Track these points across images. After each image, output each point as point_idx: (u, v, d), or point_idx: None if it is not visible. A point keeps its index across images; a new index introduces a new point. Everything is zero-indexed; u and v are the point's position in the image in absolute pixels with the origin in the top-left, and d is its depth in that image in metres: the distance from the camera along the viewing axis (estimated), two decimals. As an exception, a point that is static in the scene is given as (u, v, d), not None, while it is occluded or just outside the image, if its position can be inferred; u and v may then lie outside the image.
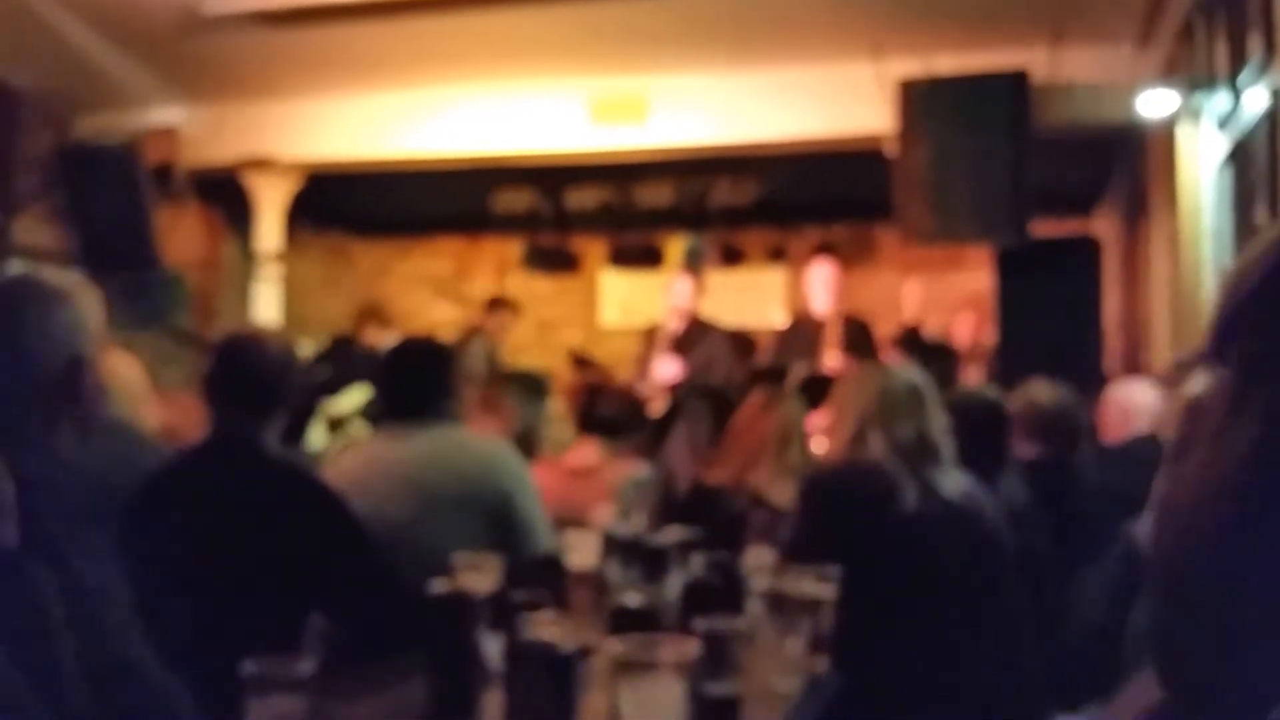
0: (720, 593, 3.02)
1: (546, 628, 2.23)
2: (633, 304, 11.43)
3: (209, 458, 3.33)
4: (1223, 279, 1.12)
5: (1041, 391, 5.16)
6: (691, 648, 2.15)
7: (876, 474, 3.73)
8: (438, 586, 2.55)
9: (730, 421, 5.29)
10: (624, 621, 2.76)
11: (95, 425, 2.43)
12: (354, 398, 7.78)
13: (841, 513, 3.76)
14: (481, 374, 8.14)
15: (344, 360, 8.48)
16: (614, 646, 2.06)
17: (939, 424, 3.87)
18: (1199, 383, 1.12)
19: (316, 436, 7.92)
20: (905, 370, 4.10)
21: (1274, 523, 0.95)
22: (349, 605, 3.15)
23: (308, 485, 3.31)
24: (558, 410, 6.55)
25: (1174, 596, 1.04)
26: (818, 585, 3.28)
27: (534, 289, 12.10)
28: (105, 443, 3.14)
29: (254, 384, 3.32)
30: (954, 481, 3.81)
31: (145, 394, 4.06)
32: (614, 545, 3.70)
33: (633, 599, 2.91)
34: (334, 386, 7.99)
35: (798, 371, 7.44)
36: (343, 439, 7.21)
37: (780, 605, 3.37)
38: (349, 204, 11.76)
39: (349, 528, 3.27)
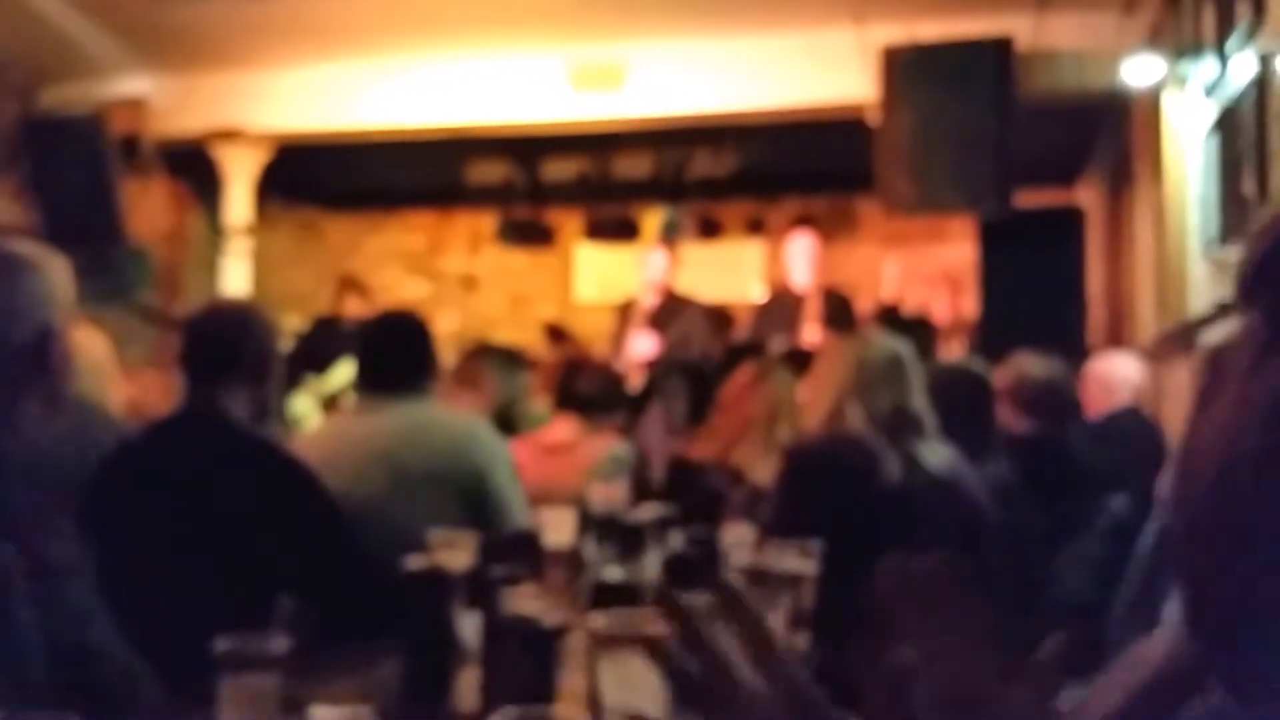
0: (699, 569, 2.94)
1: (526, 602, 2.17)
2: (609, 278, 11.32)
3: (176, 431, 3.24)
4: (1254, 227, 1.09)
5: (1033, 364, 5.08)
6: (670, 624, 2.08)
7: (857, 447, 3.66)
8: (413, 563, 2.47)
9: (717, 396, 5.22)
10: (604, 597, 2.68)
11: (63, 399, 2.36)
12: (344, 373, 7.72)
13: (823, 487, 3.67)
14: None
15: (328, 337, 8.41)
16: (594, 621, 2.00)
17: (920, 396, 3.80)
18: (1218, 333, 1.04)
19: (309, 415, 7.86)
20: (885, 340, 4.01)
21: None
22: (320, 584, 3.06)
23: (277, 460, 3.21)
24: (534, 385, 6.47)
25: (1201, 541, 1.03)
26: (799, 560, 3.22)
27: (508, 263, 11.99)
28: (70, 420, 3.06)
29: (228, 355, 3.22)
30: (936, 455, 3.74)
31: (112, 371, 3.97)
32: (590, 522, 3.64)
33: (613, 573, 2.83)
34: (322, 364, 7.92)
35: (776, 346, 7.37)
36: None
37: (761, 581, 3.31)
38: (320, 177, 11.63)
39: (320, 504, 3.18)
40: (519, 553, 3.20)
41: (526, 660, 2.10)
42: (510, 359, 5.26)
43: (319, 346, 8.35)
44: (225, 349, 3.22)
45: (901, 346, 3.90)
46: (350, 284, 9.53)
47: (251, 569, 2.89)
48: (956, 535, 3.64)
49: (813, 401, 3.92)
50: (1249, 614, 0.96)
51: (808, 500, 3.65)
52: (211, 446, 3.15)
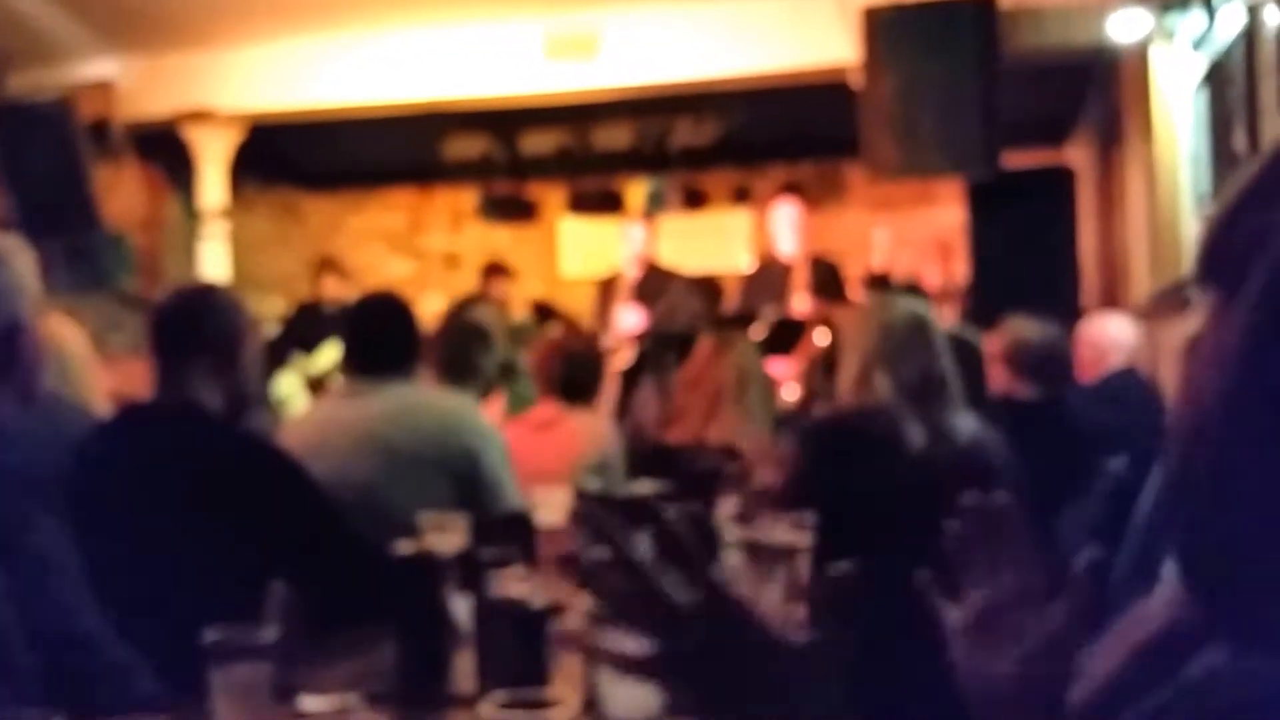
0: (692, 545, 2.87)
1: (515, 584, 2.11)
2: (594, 252, 11.22)
3: (145, 419, 3.18)
4: (1209, 213, 1.11)
5: (1027, 328, 5.04)
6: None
7: (880, 417, 3.58)
8: (403, 548, 2.42)
9: (679, 375, 5.19)
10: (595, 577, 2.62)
11: (35, 393, 2.31)
12: (330, 354, 7.68)
13: (844, 459, 3.60)
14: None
15: (313, 320, 8.36)
16: (586, 602, 1.98)
17: (947, 360, 3.74)
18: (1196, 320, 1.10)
19: (294, 395, 7.82)
20: (907, 303, 3.97)
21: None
22: (309, 571, 2.99)
23: (248, 447, 3.16)
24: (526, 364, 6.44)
25: (1183, 496, 1.06)
26: (794, 533, 3.18)
27: (491, 239, 11.90)
28: (44, 413, 3.00)
29: (192, 338, 3.14)
30: (964, 422, 3.68)
31: (91, 361, 3.92)
32: (584, 500, 3.60)
33: (601, 553, 2.76)
34: (307, 347, 7.88)
35: (766, 316, 7.33)
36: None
37: (756, 555, 3.26)
38: (296, 157, 11.54)
39: (297, 489, 3.11)
40: (511, 534, 3.17)
41: (517, 642, 2.07)
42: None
43: (303, 329, 8.31)
44: (189, 332, 3.15)
45: (922, 309, 3.86)
46: (329, 265, 9.47)
47: (237, 558, 2.83)
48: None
49: (840, 370, 3.82)
50: (1240, 561, 0.98)
51: (827, 473, 3.59)
52: (180, 434, 3.09)
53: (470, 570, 2.44)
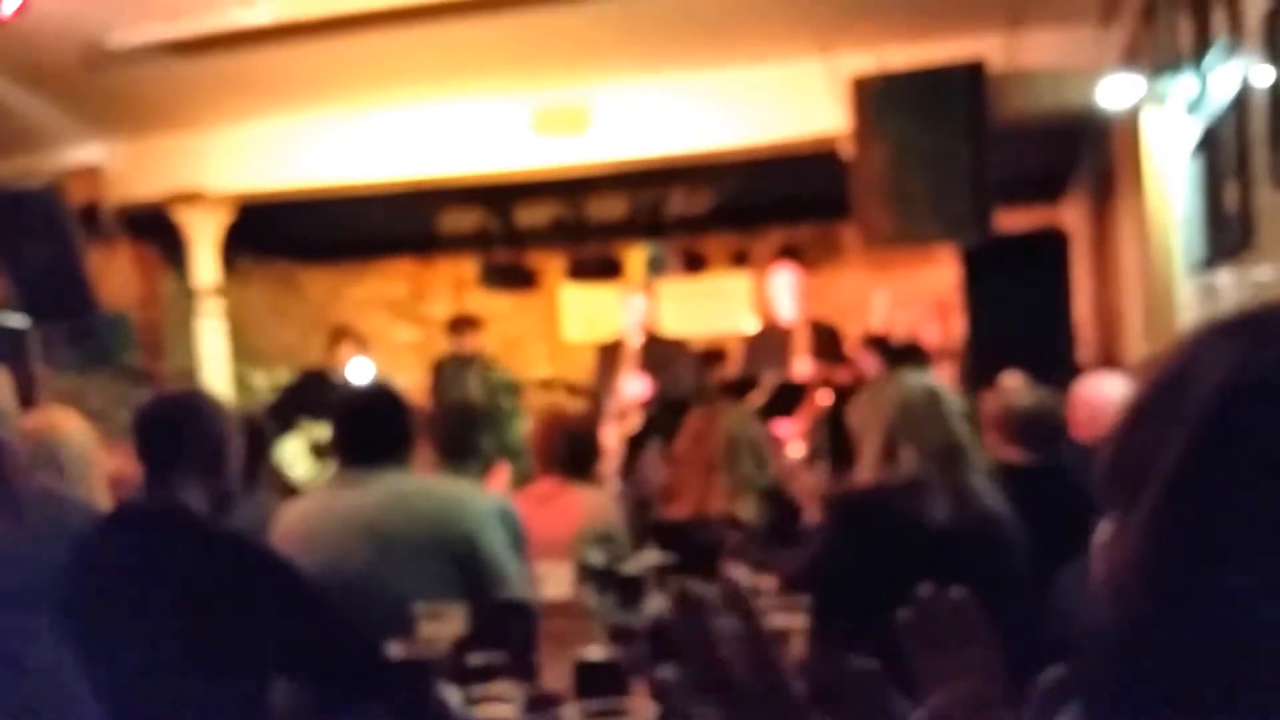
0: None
1: (498, 706, 2.12)
2: (595, 317, 11.25)
3: (138, 522, 3.20)
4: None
5: (1018, 393, 5.05)
6: (651, 711, 2.09)
7: (909, 491, 3.66)
8: (395, 650, 2.43)
9: (673, 452, 5.24)
10: (587, 678, 2.65)
11: (24, 503, 2.34)
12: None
13: (874, 534, 3.67)
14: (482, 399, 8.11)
15: (318, 388, 8.36)
16: (573, 716, 1.99)
17: (963, 427, 3.79)
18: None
19: (300, 465, 7.83)
20: (917, 378, 4.08)
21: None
22: (307, 668, 3.02)
23: (241, 549, 3.17)
24: (526, 434, 6.47)
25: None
26: (788, 616, 3.21)
27: (494, 307, 11.93)
28: (38, 516, 3.02)
29: (176, 446, 3.19)
30: (985, 489, 3.73)
31: (92, 450, 3.94)
32: (588, 574, 3.62)
33: (595, 653, 2.80)
34: (314, 414, 7.88)
35: (768, 380, 7.37)
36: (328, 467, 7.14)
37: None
38: (292, 230, 11.55)
39: (291, 588, 3.11)
40: (510, 625, 3.18)
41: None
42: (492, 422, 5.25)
43: (311, 396, 8.30)
44: (173, 440, 3.20)
45: (932, 381, 3.97)
46: (343, 333, 9.45)
47: (227, 659, 2.85)
48: (1003, 572, 3.63)
49: (859, 449, 3.89)
50: None
51: (859, 548, 3.66)
52: (168, 538, 3.11)
53: (461, 674, 2.45)
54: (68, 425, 3.95)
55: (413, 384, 8.32)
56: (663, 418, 6.95)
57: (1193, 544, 0.97)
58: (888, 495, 3.70)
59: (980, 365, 7.09)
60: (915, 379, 4.03)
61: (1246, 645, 0.94)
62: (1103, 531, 1.08)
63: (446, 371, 9.11)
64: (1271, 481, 0.95)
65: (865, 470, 3.83)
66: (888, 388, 4.05)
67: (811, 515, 5.23)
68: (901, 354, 7.71)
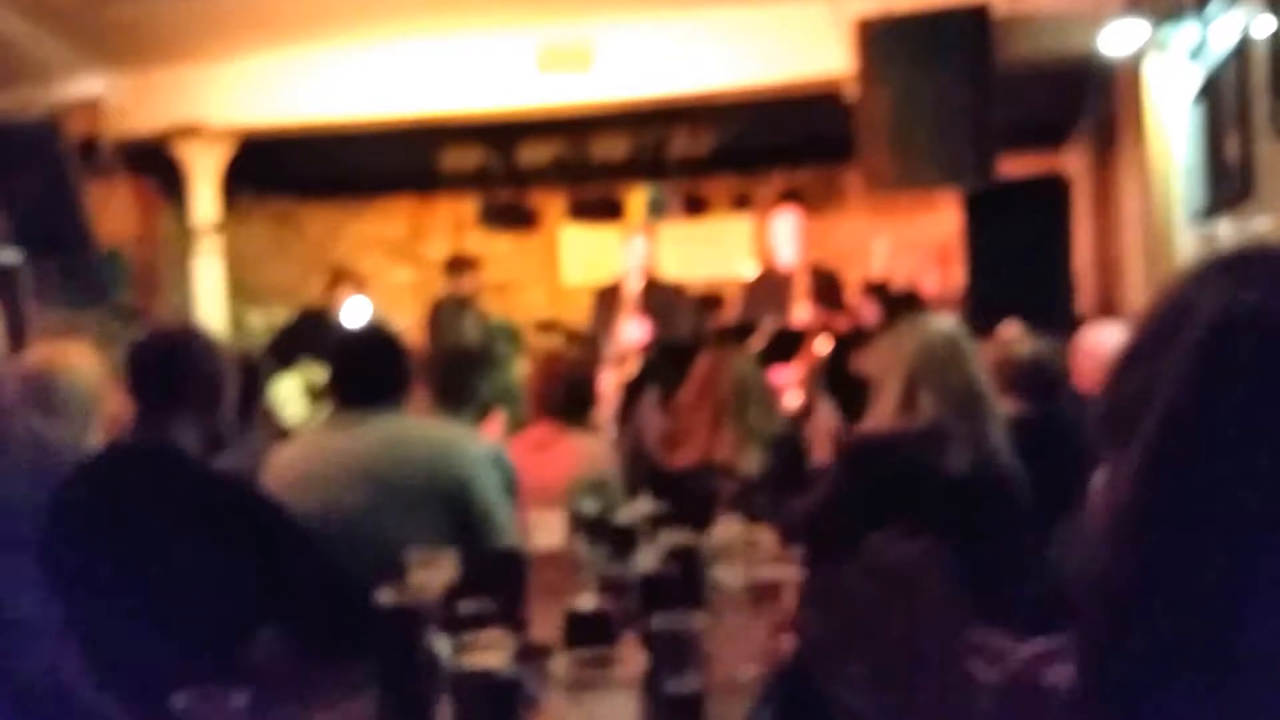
0: (679, 585, 2.90)
1: (488, 652, 2.12)
2: (595, 260, 11.22)
3: (123, 462, 3.18)
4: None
5: (1016, 343, 5.03)
6: (641, 661, 2.15)
7: (929, 440, 3.60)
8: (385, 597, 2.42)
9: (680, 396, 5.20)
10: (577, 628, 2.64)
11: (6, 445, 2.32)
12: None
13: (889, 481, 3.60)
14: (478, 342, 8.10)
15: (316, 328, 8.34)
16: (562, 666, 1.99)
17: (984, 374, 3.75)
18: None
19: (295, 407, 7.82)
20: (938, 321, 3.98)
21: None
22: (294, 614, 3.01)
23: (225, 491, 3.14)
24: (523, 377, 6.45)
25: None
26: (782, 568, 3.20)
27: (493, 248, 11.88)
28: (22, 457, 3.00)
29: (170, 383, 3.15)
30: (1001, 438, 3.70)
31: (100, 386, 3.91)
32: (580, 523, 3.61)
33: (586, 602, 2.79)
34: (309, 355, 7.86)
35: (767, 325, 7.35)
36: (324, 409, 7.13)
37: (746, 591, 3.29)
38: (293, 167, 11.50)
39: (282, 531, 3.10)
40: (501, 574, 3.17)
41: (487, 713, 2.06)
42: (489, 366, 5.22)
43: (309, 336, 8.27)
44: (167, 377, 3.16)
45: (952, 325, 3.87)
46: (342, 275, 9.41)
47: (213, 600, 2.84)
48: (1017, 525, 3.61)
49: (877, 395, 3.81)
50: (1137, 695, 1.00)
51: (872, 494, 3.58)
52: (159, 477, 3.08)
53: (451, 622, 2.44)
54: (72, 361, 3.93)
55: (409, 326, 8.30)
56: (661, 364, 6.95)
57: (1185, 477, 0.98)
58: (905, 441, 3.64)
59: (979, 314, 7.07)
60: (935, 323, 3.95)
61: (1240, 575, 0.95)
62: (1100, 476, 1.09)
63: (443, 313, 9.09)
64: (1261, 415, 0.97)
65: (882, 416, 3.76)
66: (909, 331, 3.95)
67: (822, 457, 5.21)
68: (901, 302, 7.69)
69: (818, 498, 3.89)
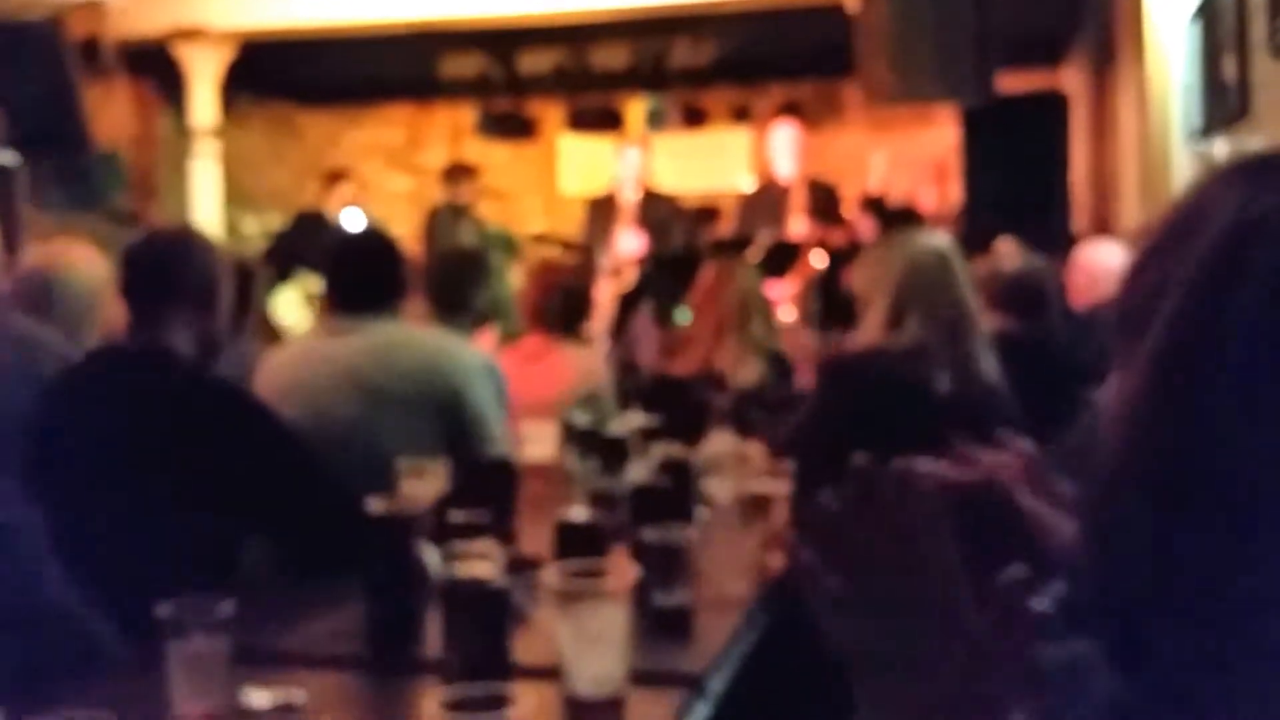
0: (670, 497, 2.91)
1: (479, 562, 2.13)
2: (594, 169, 11.18)
3: (120, 363, 3.14)
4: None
5: (1007, 260, 5.03)
6: (631, 575, 2.13)
7: (912, 359, 3.58)
8: (375, 506, 2.44)
9: (687, 303, 5.20)
10: (568, 539, 2.66)
11: None
12: None
13: (872, 399, 3.59)
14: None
15: (313, 233, 8.31)
16: (552, 578, 2.00)
17: (972, 295, 3.73)
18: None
19: (294, 315, 7.83)
20: (928, 238, 3.92)
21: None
22: (279, 520, 3.00)
23: (226, 394, 3.11)
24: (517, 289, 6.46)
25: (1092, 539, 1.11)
26: (773, 484, 3.22)
27: (491, 157, 11.83)
28: (10, 359, 2.99)
29: (165, 284, 3.10)
30: (988, 359, 3.69)
31: (103, 287, 3.90)
32: (572, 435, 3.63)
33: (577, 514, 2.80)
34: (306, 260, 7.85)
35: (763, 239, 7.35)
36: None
37: (737, 505, 3.32)
38: (292, 72, 11.43)
39: (269, 438, 3.06)
40: (492, 485, 3.18)
41: (477, 623, 2.08)
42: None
43: (303, 242, 8.26)
44: (161, 278, 3.10)
45: (945, 244, 3.82)
46: (339, 176, 9.35)
47: (202, 507, 2.83)
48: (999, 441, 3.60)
49: (863, 312, 3.78)
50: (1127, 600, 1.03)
51: (855, 412, 3.58)
52: (151, 380, 3.04)
53: (441, 532, 2.46)
54: (73, 262, 3.91)
55: (406, 234, 8.29)
56: (656, 277, 6.95)
57: (1193, 378, 0.99)
58: (889, 359, 3.61)
59: (975, 230, 7.07)
60: (926, 239, 3.90)
61: (1244, 475, 0.96)
62: (1111, 382, 1.10)
63: (440, 221, 9.06)
64: (1272, 319, 0.97)
65: (868, 334, 3.73)
66: (896, 248, 3.91)
67: (805, 378, 5.22)
68: (897, 218, 7.69)
69: (802, 415, 3.90)
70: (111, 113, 9.59)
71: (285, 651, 2.34)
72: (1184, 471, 0.99)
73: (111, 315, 3.89)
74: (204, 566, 2.72)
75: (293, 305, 8.03)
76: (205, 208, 9.96)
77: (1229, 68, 5.35)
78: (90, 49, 9.01)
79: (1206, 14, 5.86)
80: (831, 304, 6.56)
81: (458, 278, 4.74)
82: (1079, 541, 1.14)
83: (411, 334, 4.00)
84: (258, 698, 1.97)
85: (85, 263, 3.94)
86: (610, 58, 11.02)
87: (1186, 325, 1.01)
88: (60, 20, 8.13)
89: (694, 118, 11.96)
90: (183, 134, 10.17)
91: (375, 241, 4.17)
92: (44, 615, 2.15)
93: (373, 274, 3.93)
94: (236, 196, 10.40)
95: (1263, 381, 0.96)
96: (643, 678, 2.04)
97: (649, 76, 11.28)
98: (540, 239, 9.14)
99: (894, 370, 3.59)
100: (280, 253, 8.29)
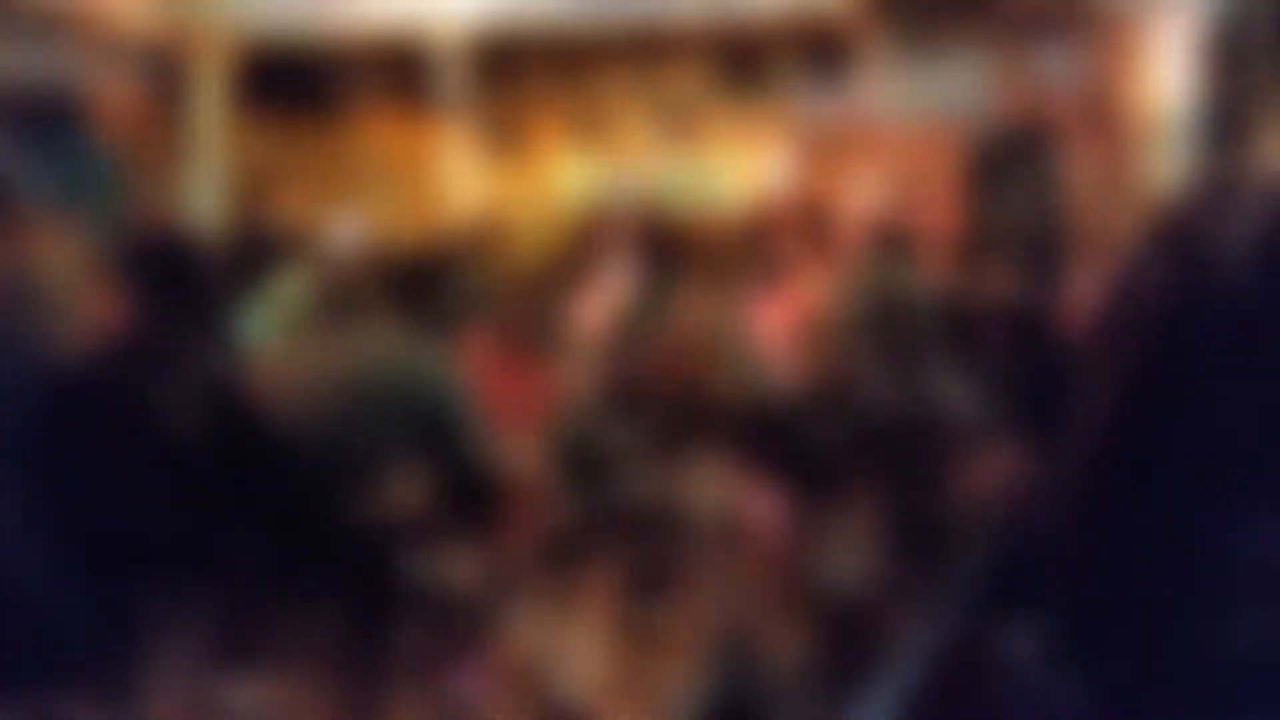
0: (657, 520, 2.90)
1: (456, 571, 2.12)
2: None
3: (108, 363, 3.12)
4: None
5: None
6: (610, 587, 2.09)
7: None
8: (353, 513, 2.41)
9: None
10: (550, 547, 2.65)
11: None
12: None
13: None
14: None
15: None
16: (531, 587, 2.00)
17: None
18: None
19: (284, 314, 7.80)
20: None
21: None
22: (263, 529, 2.98)
23: (217, 395, 3.11)
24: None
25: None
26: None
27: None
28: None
29: (166, 285, 3.10)
30: None
31: (83, 279, 3.86)
32: (556, 445, 3.60)
33: (559, 524, 2.79)
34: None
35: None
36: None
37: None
38: (298, 73, 11.42)
39: (257, 444, 3.07)
40: (472, 493, 3.15)
41: (452, 626, 2.07)
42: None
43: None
44: (162, 277, 3.10)
45: None
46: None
47: (183, 510, 2.81)
48: None
49: None
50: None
51: None
52: (150, 381, 3.04)
53: (419, 533, 2.44)
54: (50, 252, 3.88)
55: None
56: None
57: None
58: None
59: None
60: None
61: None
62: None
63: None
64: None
65: None
66: None
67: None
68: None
69: None
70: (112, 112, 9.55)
71: (264, 650, 2.32)
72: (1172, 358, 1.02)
73: (95, 306, 3.87)
74: (183, 567, 2.70)
75: (285, 306, 7.99)
76: (205, 207, 9.93)
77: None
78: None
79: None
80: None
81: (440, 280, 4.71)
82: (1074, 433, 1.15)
83: (393, 339, 3.96)
84: (236, 695, 1.97)
85: (62, 254, 3.90)
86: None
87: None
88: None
89: None
90: (183, 134, 10.15)
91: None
92: (13, 605, 2.15)
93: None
94: (237, 196, 10.39)
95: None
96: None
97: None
98: None
99: None
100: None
